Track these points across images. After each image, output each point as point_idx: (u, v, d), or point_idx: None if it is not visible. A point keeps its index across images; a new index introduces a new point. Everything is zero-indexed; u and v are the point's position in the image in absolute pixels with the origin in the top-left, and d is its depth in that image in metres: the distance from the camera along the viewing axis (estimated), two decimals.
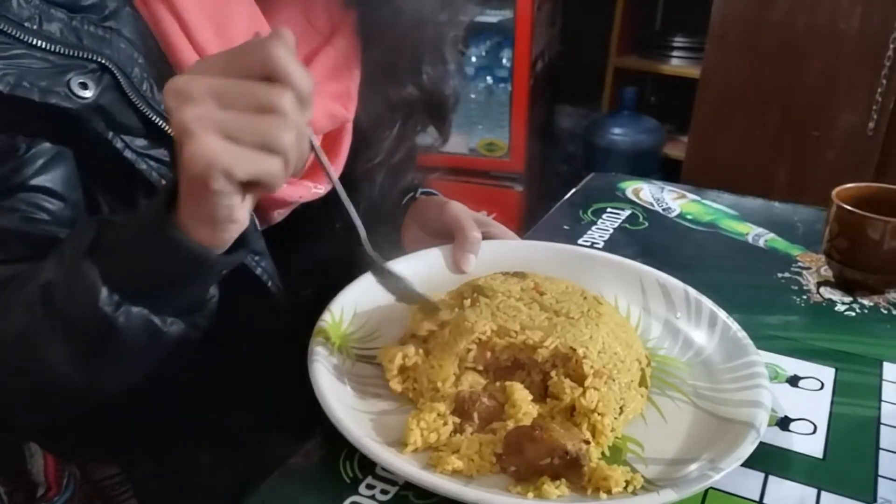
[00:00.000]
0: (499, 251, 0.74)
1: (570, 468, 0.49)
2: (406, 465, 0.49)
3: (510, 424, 0.53)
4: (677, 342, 0.66)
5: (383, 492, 0.51)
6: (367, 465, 0.53)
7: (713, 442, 0.53)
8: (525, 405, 0.54)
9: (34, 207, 0.55)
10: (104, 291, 0.49)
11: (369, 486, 0.51)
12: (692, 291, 0.69)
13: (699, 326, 0.66)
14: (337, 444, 0.53)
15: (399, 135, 0.76)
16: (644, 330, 0.67)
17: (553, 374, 0.56)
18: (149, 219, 0.49)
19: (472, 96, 2.50)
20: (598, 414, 0.53)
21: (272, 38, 0.45)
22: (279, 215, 0.70)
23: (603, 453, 0.53)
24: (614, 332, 0.59)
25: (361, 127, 0.74)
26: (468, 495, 0.47)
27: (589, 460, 0.50)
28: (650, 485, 0.49)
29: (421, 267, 0.71)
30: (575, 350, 0.55)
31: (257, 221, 0.66)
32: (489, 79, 2.47)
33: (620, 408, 0.55)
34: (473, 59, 2.46)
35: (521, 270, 0.66)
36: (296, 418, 0.64)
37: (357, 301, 0.65)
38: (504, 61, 2.42)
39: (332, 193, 0.72)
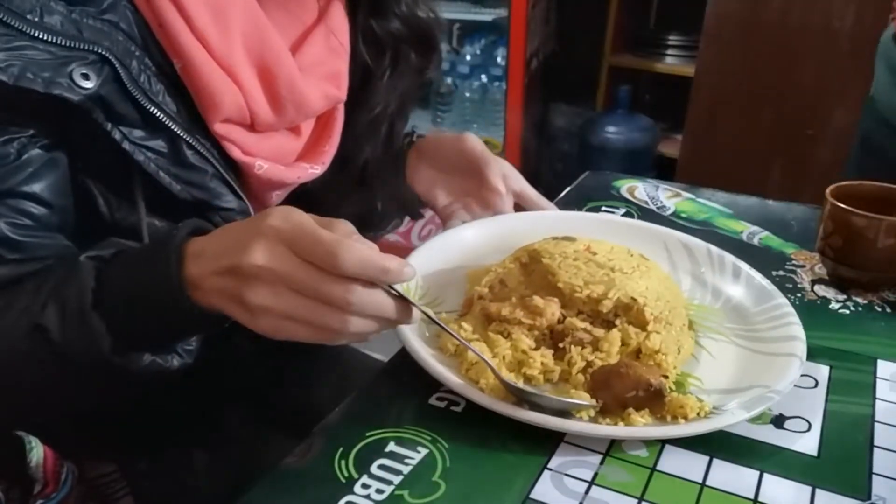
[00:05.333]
0: (536, 222, 0.79)
1: (652, 399, 0.55)
2: (495, 402, 0.55)
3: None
4: (707, 293, 0.73)
5: (378, 491, 0.51)
6: (363, 465, 0.53)
7: (762, 373, 0.59)
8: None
9: (20, 213, 0.55)
10: (109, 342, 0.51)
11: (364, 486, 0.51)
12: (714, 249, 0.76)
13: (724, 279, 0.73)
14: (332, 443, 0.53)
15: (393, 80, 0.77)
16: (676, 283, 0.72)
17: (618, 322, 0.62)
18: (163, 289, 0.51)
19: (467, 95, 2.50)
20: (662, 354, 0.60)
21: (345, 243, 0.47)
22: (277, 197, 0.71)
23: (670, 388, 0.58)
24: (663, 283, 0.66)
25: (356, 76, 0.74)
26: (570, 427, 0.53)
27: (666, 391, 0.56)
28: (717, 410, 0.56)
29: (474, 237, 0.77)
30: (636, 300, 0.62)
31: (251, 208, 0.66)
32: (484, 77, 2.47)
33: (678, 348, 0.62)
34: (468, 57, 2.46)
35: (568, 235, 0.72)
36: (291, 418, 0.64)
37: (421, 268, 0.69)
38: (498, 60, 2.42)
39: (328, 177, 0.73)
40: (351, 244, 0.47)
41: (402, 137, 0.85)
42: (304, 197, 0.74)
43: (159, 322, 0.53)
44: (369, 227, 0.87)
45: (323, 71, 0.69)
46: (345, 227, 0.50)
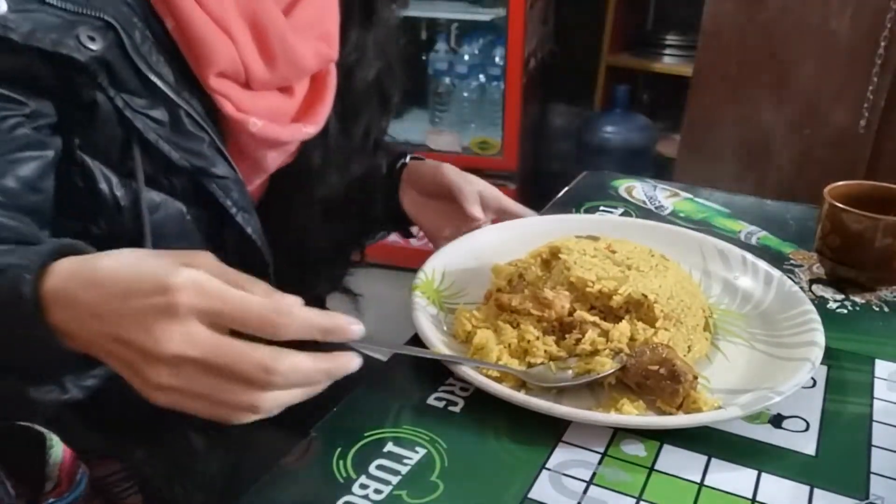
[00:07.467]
0: (568, 223, 0.82)
1: (669, 380, 0.57)
2: (503, 388, 0.57)
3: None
4: (736, 299, 0.73)
5: (377, 491, 0.51)
6: (361, 465, 0.53)
7: (770, 375, 0.60)
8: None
9: None
10: None
11: (363, 486, 0.51)
12: (749, 256, 0.76)
13: (756, 285, 0.73)
14: (330, 443, 0.53)
15: (367, 31, 0.78)
16: (704, 289, 0.74)
17: (626, 318, 0.62)
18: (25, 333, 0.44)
19: (465, 95, 2.50)
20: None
21: (280, 307, 0.42)
22: (273, 160, 0.72)
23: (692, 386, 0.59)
24: (680, 283, 0.67)
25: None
26: (570, 413, 0.55)
27: (686, 382, 0.57)
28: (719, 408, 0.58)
29: (505, 236, 0.80)
30: (646, 296, 0.62)
31: (240, 173, 0.66)
32: (482, 77, 2.47)
33: (688, 346, 0.63)
34: (466, 57, 2.45)
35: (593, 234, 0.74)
36: (290, 417, 0.63)
37: (445, 264, 0.75)
38: (497, 59, 2.42)
39: (331, 147, 0.76)
40: (286, 307, 0.42)
41: (396, 158, 0.87)
42: (305, 170, 0.76)
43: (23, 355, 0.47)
44: (364, 233, 0.90)
45: (316, 31, 0.70)
46: (262, 285, 0.44)
